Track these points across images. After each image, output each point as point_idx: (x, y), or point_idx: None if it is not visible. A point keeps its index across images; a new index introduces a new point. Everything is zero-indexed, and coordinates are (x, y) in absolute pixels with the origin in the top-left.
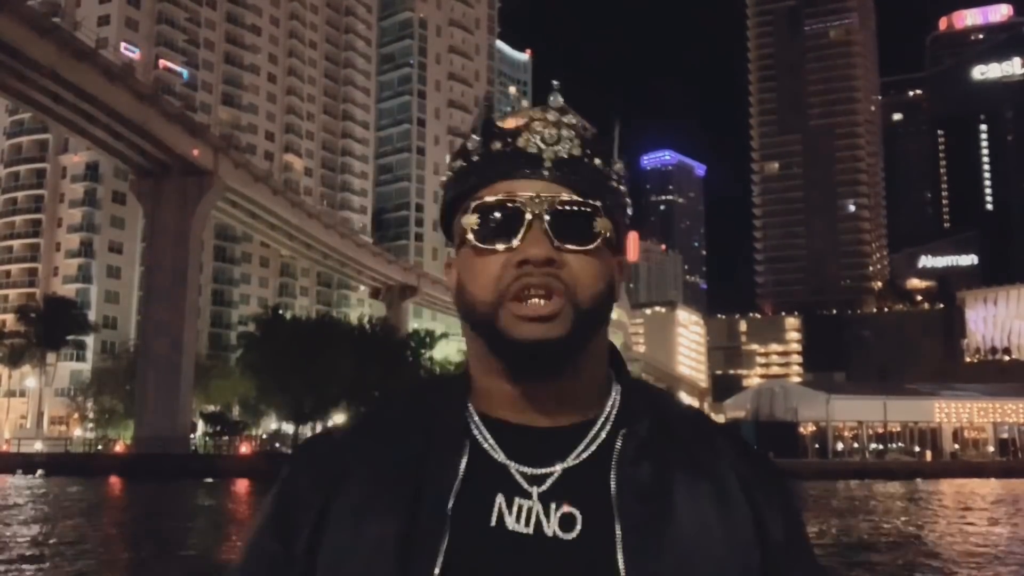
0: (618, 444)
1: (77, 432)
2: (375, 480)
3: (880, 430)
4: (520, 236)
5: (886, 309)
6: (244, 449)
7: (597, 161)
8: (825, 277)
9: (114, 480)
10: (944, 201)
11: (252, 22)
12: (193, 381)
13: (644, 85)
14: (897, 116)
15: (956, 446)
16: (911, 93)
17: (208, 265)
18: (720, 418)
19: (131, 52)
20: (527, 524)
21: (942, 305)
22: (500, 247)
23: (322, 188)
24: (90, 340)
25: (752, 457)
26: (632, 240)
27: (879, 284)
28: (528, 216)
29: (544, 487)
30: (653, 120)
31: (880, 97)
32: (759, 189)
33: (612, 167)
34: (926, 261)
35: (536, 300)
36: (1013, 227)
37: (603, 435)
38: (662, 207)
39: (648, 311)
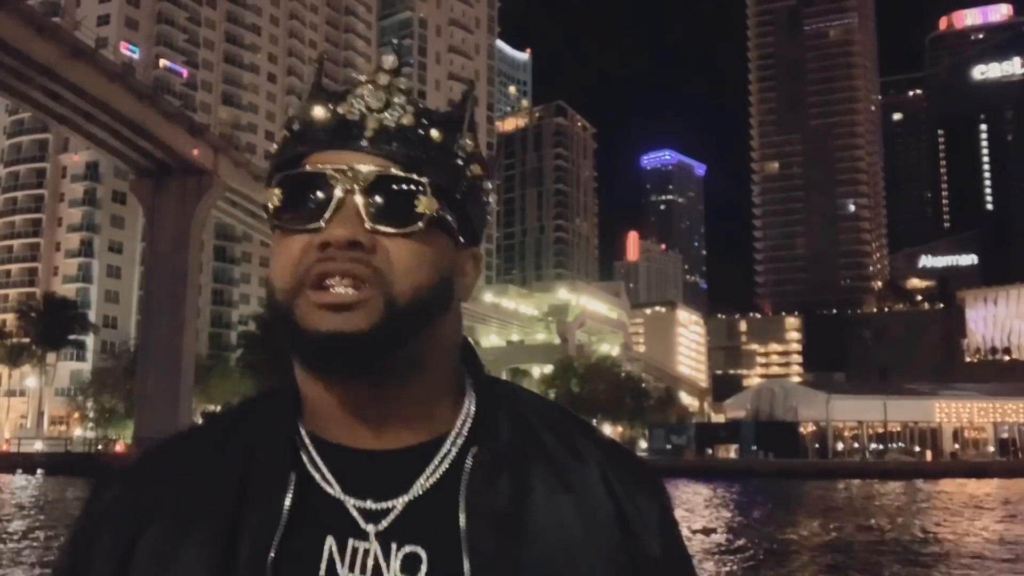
0: (467, 465)
1: (77, 432)
2: (180, 526)
3: (880, 430)
4: (327, 216)
5: (886, 309)
6: None
7: (435, 133)
8: (825, 277)
9: None
10: (944, 201)
11: (252, 22)
12: (193, 381)
13: (644, 85)
14: (897, 116)
15: (956, 446)
16: (911, 93)
17: (208, 265)
18: (720, 418)
19: (131, 52)
20: (363, 571)
21: (942, 305)
22: (304, 227)
23: None
24: (90, 340)
25: (623, 463)
26: (632, 240)
27: (879, 284)
28: (338, 193)
29: (383, 524)
30: (653, 120)
31: (880, 97)
32: (759, 189)
33: (457, 142)
34: (926, 261)
35: (339, 289)
36: (1013, 227)
37: (453, 454)
38: (662, 207)
39: (648, 311)
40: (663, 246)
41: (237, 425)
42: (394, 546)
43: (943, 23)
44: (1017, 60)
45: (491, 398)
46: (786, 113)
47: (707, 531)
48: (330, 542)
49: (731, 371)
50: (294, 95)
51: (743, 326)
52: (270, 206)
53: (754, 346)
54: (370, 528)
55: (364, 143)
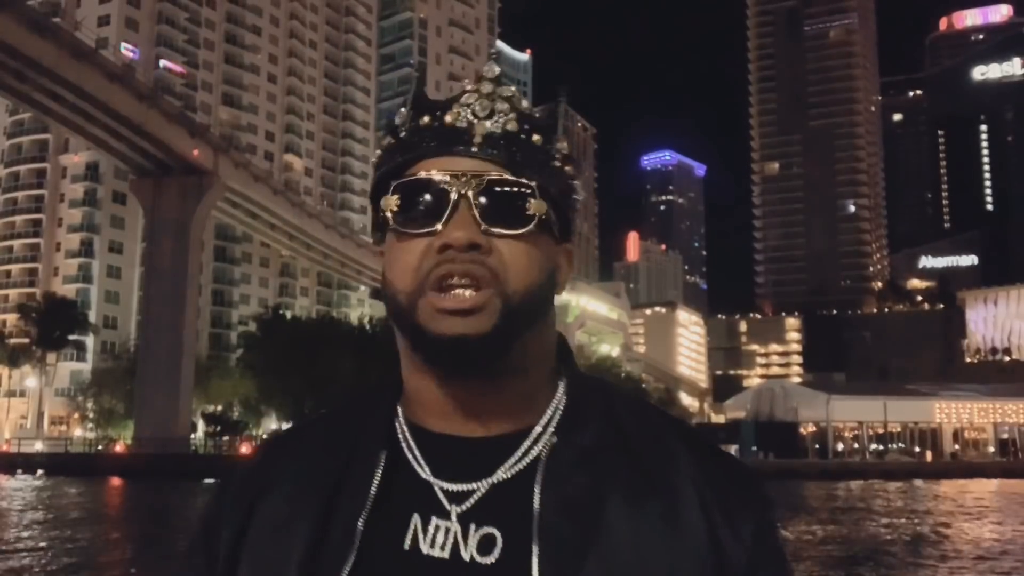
0: (545, 455)
1: (77, 432)
2: (293, 495)
3: (880, 430)
4: (444, 219)
5: (886, 309)
6: (244, 449)
7: (536, 138)
8: (825, 277)
9: (114, 480)
10: (944, 201)
11: (252, 22)
12: (193, 381)
13: (644, 85)
14: (897, 116)
15: (956, 446)
16: (911, 93)
17: (208, 265)
18: (720, 418)
19: (131, 52)
20: (443, 548)
21: (942, 305)
22: (422, 231)
23: (322, 188)
24: (90, 340)
25: (721, 468)
26: (632, 240)
27: (879, 284)
28: (453, 196)
29: (465, 506)
30: (653, 120)
31: (880, 97)
32: (759, 189)
33: (554, 145)
34: (926, 261)
35: (459, 291)
36: (1013, 227)
37: (539, 445)
38: (662, 207)
39: (648, 311)
40: (663, 246)
41: (348, 413)
42: (473, 527)
43: (943, 23)
44: (1017, 61)
45: (581, 393)
46: (786, 113)
47: None
48: (415, 519)
49: (731, 371)
50: (295, 96)
51: (743, 326)
52: (388, 212)
53: (754, 346)
54: (453, 509)
55: (474, 149)
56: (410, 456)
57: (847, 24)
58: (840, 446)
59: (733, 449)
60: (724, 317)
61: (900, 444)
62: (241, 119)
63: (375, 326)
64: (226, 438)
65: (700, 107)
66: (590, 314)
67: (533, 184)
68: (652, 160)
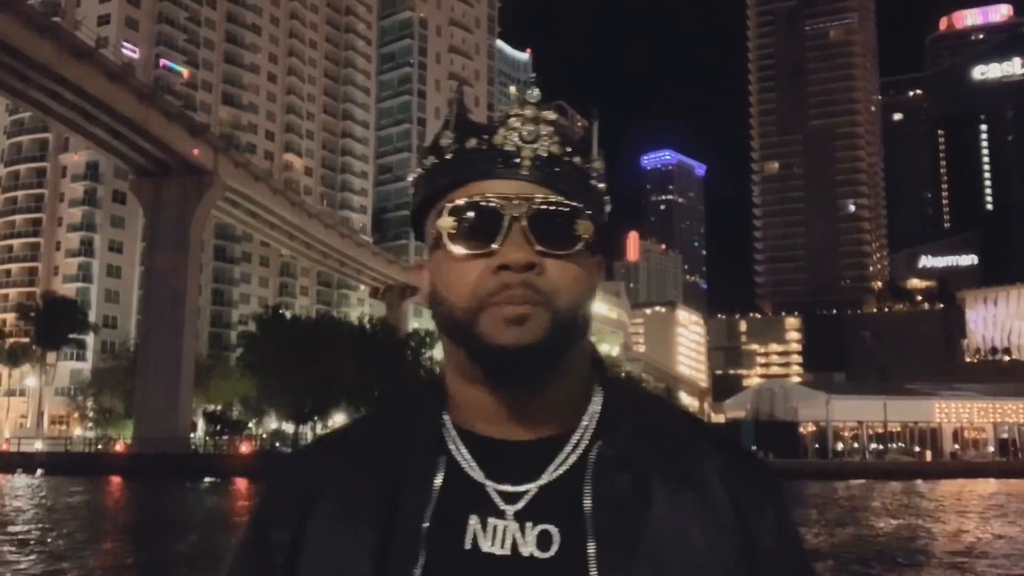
0: (593, 455)
1: (77, 432)
2: (350, 497)
3: (880, 430)
4: (499, 240)
5: (886, 309)
6: (244, 449)
7: (577, 159)
8: (825, 277)
9: (114, 480)
10: (944, 201)
11: (252, 21)
12: (193, 381)
13: (644, 85)
14: (897, 116)
15: (956, 446)
16: (911, 93)
17: (208, 265)
18: (720, 418)
19: (131, 52)
20: (503, 545)
21: (942, 305)
22: (478, 251)
23: (322, 188)
24: (90, 340)
25: (742, 462)
26: (632, 240)
27: (879, 284)
28: (507, 219)
29: (520, 505)
30: (653, 120)
31: (880, 97)
32: (759, 189)
33: (592, 164)
34: (926, 261)
35: (514, 308)
36: (1013, 227)
37: (582, 447)
38: (662, 207)
39: (648, 311)
40: (663, 246)
41: (392, 419)
42: (529, 524)
43: (943, 23)
44: (1017, 60)
45: (615, 397)
46: (786, 113)
47: None
48: (474, 520)
49: (731, 371)
50: (295, 96)
51: (743, 326)
52: (445, 234)
53: (754, 346)
54: (508, 508)
55: (524, 172)
56: (461, 459)
57: (847, 24)
58: (840, 446)
59: None
60: (724, 317)
61: (900, 444)
62: (241, 119)
63: (375, 326)
64: (226, 437)
65: (700, 107)
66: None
67: (579, 206)
68: (652, 160)
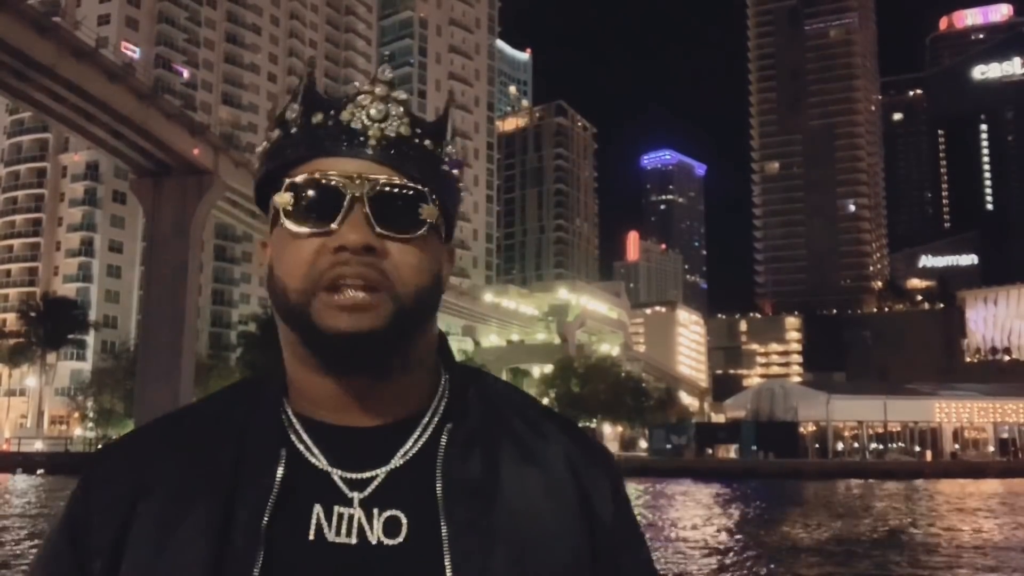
0: (443, 439)
1: (77, 431)
2: (180, 497)
3: (880, 430)
4: (338, 220)
5: (886, 309)
6: None
7: (428, 142)
8: (825, 277)
9: None
10: (944, 201)
11: (252, 21)
12: (193, 381)
13: (644, 84)
14: (897, 116)
15: (956, 446)
16: (911, 93)
17: (208, 265)
18: (720, 418)
19: (131, 52)
20: (349, 534)
21: (942, 305)
22: (316, 230)
23: None
24: (90, 339)
25: (581, 442)
26: (632, 240)
27: (879, 284)
28: (348, 198)
29: (366, 492)
30: (653, 120)
31: (880, 97)
32: (759, 189)
33: (443, 149)
34: (926, 261)
35: (352, 292)
36: (1013, 227)
37: (430, 431)
38: (662, 207)
39: (648, 311)
40: (663, 246)
41: (229, 406)
42: (376, 511)
43: (943, 23)
44: (1017, 60)
45: (463, 381)
46: (786, 113)
47: (707, 531)
48: (318, 509)
49: (731, 371)
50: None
51: (743, 326)
52: (281, 209)
53: (754, 346)
54: (354, 495)
55: (369, 151)
56: (303, 448)
57: (847, 24)
58: (840, 446)
59: (733, 449)
60: (724, 317)
61: (900, 444)
62: (241, 118)
63: None
64: None
65: (700, 107)
66: (590, 314)
67: (425, 190)
68: (652, 160)
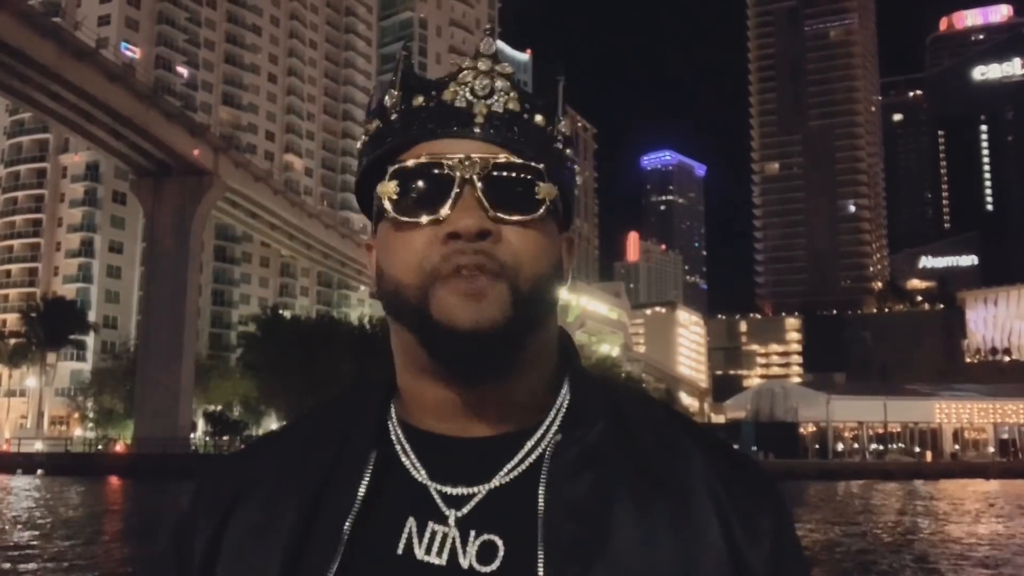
0: (549, 455)
1: (77, 432)
2: (272, 501)
3: (880, 430)
4: (448, 205)
5: (886, 310)
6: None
7: (539, 118)
8: (825, 277)
9: (114, 480)
10: (944, 202)
11: (252, 22)
12: (193, 381)
13: (644, 85)
14: (897, 116)
15: (956, 447)
16: (911, 93)
17: (208, 265)
18: (720, 418)
19: (131, 52)
20: (439, 554)
21: (942, 306)
22: (425, 219)
23: (322, 188)
24: (90, 340)
25: (734, 467)
26: (632, 240)
27: (879, 285)
28: (457, 181)
29: (464, 511)
30: (653, 120)
31: (880, 97)
32: (759, 189)
33: (556, 125)
34: (926, 262)
35: (470, 281)
36: (1013, 227)
37: (542, 445)
38: (662, 207)
39: (648, 311)
40: (663, 246)
41: (335, 413)
42: (472, 533)
43: (943, 24)
44: (1017, 61)
45: (586, 390)
46: (786, 113)
47: None
48: (411, 523)
49: (731, 372)
50: (295, 96)
51: (743, 327)
52: (385, 200)
53: (754, 347)
54: (451, 513)
55: (476, 130)
56: (404, 457)
57: (847, 24)
58: (840, 446)
59: None
60: (724, 317)
61: (900, 444)
62: (241, 119)
63: (375, 326)
64: (226, 438)
65: (700, 107)
66: (590, 314)
67: (540, 167)
68: (652, 160)
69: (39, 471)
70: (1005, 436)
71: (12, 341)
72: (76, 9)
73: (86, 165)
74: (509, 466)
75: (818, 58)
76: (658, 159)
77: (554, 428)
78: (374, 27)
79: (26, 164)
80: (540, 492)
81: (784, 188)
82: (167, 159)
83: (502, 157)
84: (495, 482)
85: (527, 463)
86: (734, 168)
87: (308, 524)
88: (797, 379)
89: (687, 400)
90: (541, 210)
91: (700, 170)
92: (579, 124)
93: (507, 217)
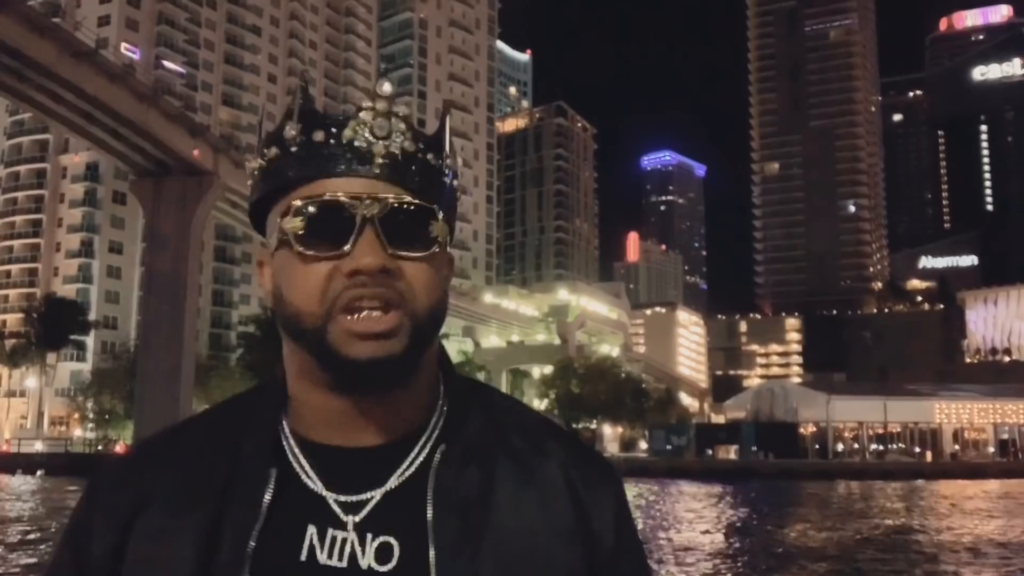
0: (435, 460)
1: (77, 432)
2: (173, 512)
3: (880, 431)
4: (350, 242)
5: (886, 310)
6: None
7: (430, 156)
8: (825, 277)
9: None
10: (944, 202)
11: (252, 22)
12: (193, 381)
13: (644, 85)
14: (897, 116)
15: (956, 447)
16: (911, 93)
17: (208, 265)
18: (720, 419)
19: (131, 52)
20: (340, 558)
21: (942, 306)
22: (327, 254)
23: None
24: (90, 340)
25: (583, 457)
26: (632, 241)
27: (879, 285)
28: (358, 219)
29: (361, 515)
30: (653, 120)
31: (880, 97)
32: (759, 190)
33: (444, 162)
34: (926, 262)
35: (370, 313)
36: (1013, 227)
37: (426, 450)
38: (662, 207)
39: (648, 311)
40: (663, 247)
41: (227, 420)
42: (369, 536)
43: (943, 24)
44: (1017, 61)
45: (463, 398)
46: (786, 113)
47: (707, 532)
48: (312, 531)
49: (731, 372)
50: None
51: (743, 327)
52: (291, 232)
53: (754, 347)
54: (349, 519)
55: (376, 170)
56: (299, 470)
57: (847, 24)
58: (840, 446)
59: (733, 449)
60: (724, 317)
61: (900, 444)
62: (241, 119)
63: None
64: None
65: (700, 107)
66: (590, 314)
67: (434, 206)
68: (652, 160)
69: (39, 471)
70: (1005, 436)
71: (12, 341)
72: (76, 9)
73: (86, 165)
74: (398, 471)
75: (818, 58)
76: (658, 159)
77: (436, 433)
78: (374, 27)
79: (26, 164)
80: (428, 495)
81: (784, 188)
82: (167, 159)
83: (400, 196)
84: (387, 487)
85: (415, 466)
86: (734, 168)
87: (212, 540)
88: (797, 379)
89: (687, 400)
90: (435, 247)
91: (700, 170)
92: (579, 124)
93: (404, 254)
